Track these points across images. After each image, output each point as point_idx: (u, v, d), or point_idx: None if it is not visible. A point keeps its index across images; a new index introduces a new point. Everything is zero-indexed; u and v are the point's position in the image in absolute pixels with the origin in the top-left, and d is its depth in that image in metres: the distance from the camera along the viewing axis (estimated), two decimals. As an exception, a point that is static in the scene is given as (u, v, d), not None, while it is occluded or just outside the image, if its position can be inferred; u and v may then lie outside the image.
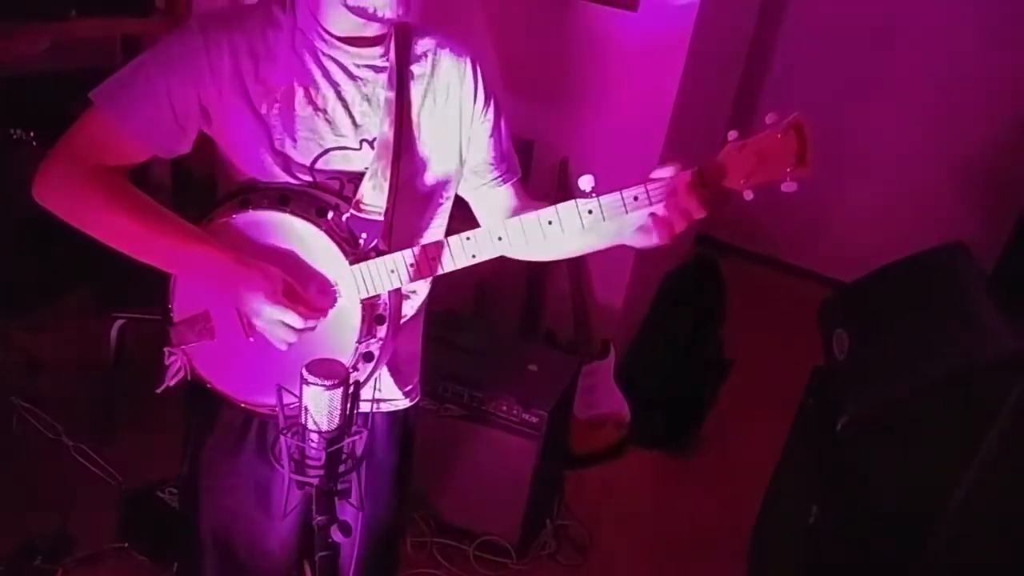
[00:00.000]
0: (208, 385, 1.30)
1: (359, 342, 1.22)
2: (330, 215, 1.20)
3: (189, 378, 1.30)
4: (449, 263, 1.21)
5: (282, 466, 1.06)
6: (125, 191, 1.20)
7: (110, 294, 2.58)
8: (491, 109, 1.36)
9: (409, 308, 1.39)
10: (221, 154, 1.27)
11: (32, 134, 2.56)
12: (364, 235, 1.22)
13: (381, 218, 1.22)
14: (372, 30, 1.21)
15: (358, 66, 1.23)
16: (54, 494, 2.30)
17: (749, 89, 3.84)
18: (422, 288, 1.40)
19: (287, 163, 1.22)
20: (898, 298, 2.01)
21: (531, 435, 2.29)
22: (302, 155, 1.22)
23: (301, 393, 1.01)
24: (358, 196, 1.21)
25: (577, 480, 2.74)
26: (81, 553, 2.18)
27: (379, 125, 1.24)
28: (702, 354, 3.19)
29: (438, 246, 1.21)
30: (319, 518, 1.05)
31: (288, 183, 1.22)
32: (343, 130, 1.24)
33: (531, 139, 2.84)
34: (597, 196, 1.14)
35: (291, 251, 1.21)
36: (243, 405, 1.30)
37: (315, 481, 1.05)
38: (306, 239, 1.20)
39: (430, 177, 1.32)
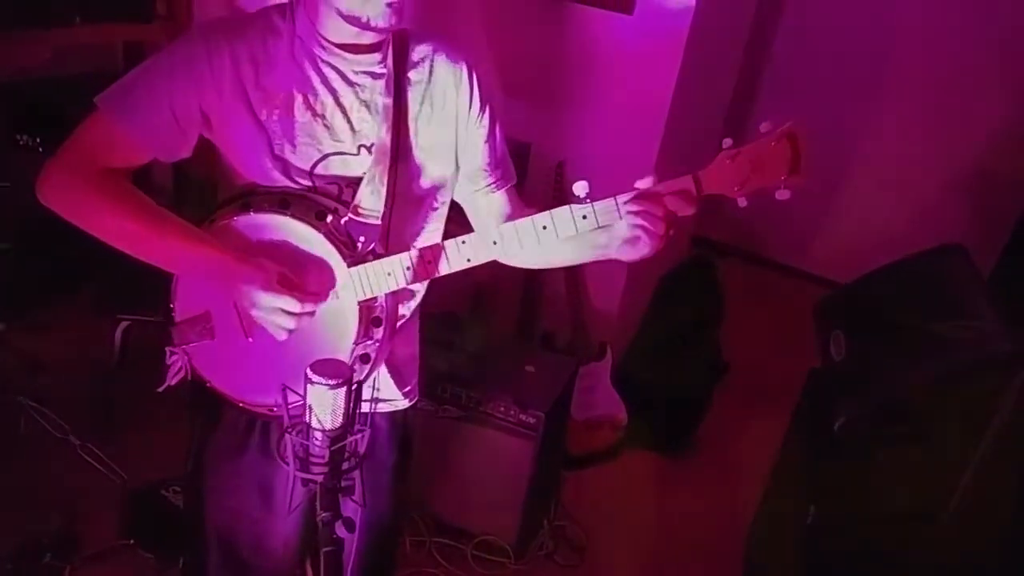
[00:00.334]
0: (208, 384, 1.32)
1: (356, 344, 1.25)
2: (329, 219, 1.22)
3: (189, 377, 1.32)
4: (445, 266, 1.23)
5: (287, 464, 1.08)
6: (127, 193, 1.22)
7: (112, 295, 2.60)
8: (486, 115, 1.37)
9: (406, 310, 1.41)
10: (222, 158, 1.29)
11: (39, 140, 2.57)
12: (362, 238, 1.24)
13: (379, 222, 1.24)
14: (369, 38, 1.23)
15: (356, 73, 1.25)
16: (61, 493, 2.32)
17: (745, 92, 3.85)
18: (419, 290, 1.42)
19: (287, 168, 1.24)
20: (895, 300, 2.01)
21: (528, 436, 2.30)
22: (301, 160, 1.24)
23: (305, 392, 1.04)
24: (356, 200, 1.23)
25: (575, 481, 2.75)
26: (88, 551, 2.20)
27: (377, 131, 1.26)
28: (699, 355, 3.18)
29: (434, 250, 1.23)
30: (324, 514, 1.06)
31: (288, 187, 1.24)
32: (341, 136, 1.26)
33: (527, 142, 2.86)
34: (591, 202, 1.16)
35: (285, 241, 1.22)
36: (241, 405, 1.32)
37: (319, 478, 1.07)
38: (305, 241, 1.22)
39: (426, 182, 1.34)
